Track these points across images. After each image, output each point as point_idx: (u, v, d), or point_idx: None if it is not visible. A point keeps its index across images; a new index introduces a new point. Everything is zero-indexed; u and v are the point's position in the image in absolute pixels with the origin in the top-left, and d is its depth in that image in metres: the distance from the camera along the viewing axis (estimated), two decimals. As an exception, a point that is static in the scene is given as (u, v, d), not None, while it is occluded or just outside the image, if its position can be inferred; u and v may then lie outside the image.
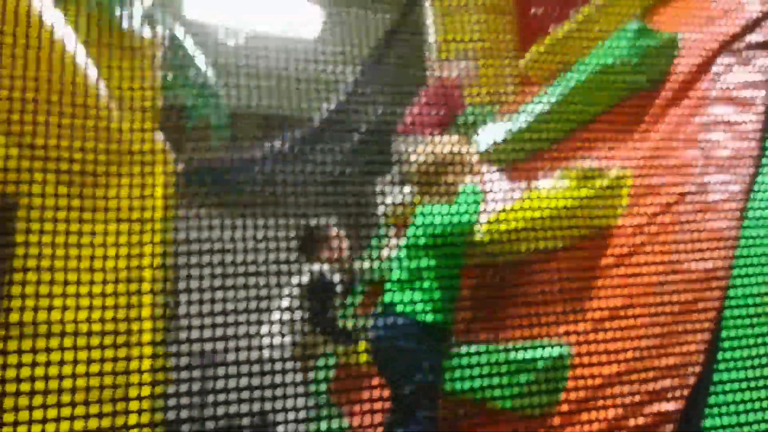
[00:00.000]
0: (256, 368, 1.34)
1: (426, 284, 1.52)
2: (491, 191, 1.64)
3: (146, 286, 3.33)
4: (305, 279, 2.77)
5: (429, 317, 1.48)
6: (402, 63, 5.20)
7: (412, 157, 2.18)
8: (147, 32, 3.35)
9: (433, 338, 1.51)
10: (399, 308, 1.52)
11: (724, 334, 1.11)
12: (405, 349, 1.51)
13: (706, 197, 1.21)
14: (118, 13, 3.20)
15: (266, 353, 2.09)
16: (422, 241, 1.55)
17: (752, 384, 1.07)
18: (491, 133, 2.03)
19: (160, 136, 3.82)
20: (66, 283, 2.11)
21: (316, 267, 2.80)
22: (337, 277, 2.78)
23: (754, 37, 1.31)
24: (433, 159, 1.75)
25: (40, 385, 1.25)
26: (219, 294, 1.54)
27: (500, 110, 2.34)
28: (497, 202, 1.58)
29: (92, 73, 2.72)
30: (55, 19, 2.30)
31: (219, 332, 1.43)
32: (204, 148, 4.73)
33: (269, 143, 5.49)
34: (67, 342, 1.93)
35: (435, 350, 1.50)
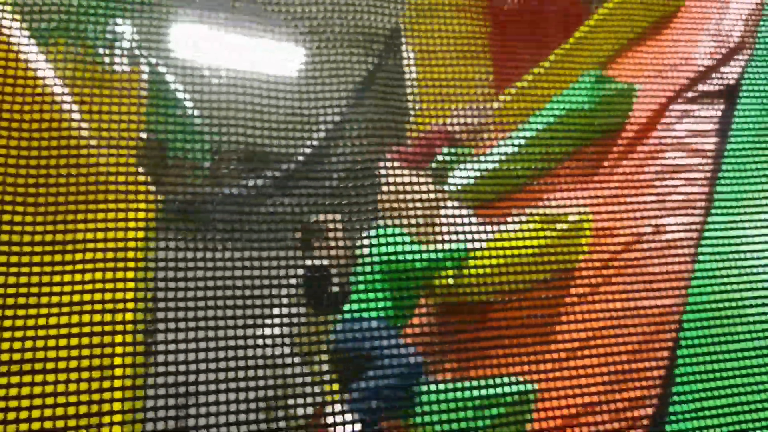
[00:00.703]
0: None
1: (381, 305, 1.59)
2: (461, 232, 1.71)
3: (123, 326, 3.33)
4: (301, 271, 2.85)
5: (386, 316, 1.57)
6: (383, 102, 5.31)
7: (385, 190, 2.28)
8: (129, 69, 3.42)
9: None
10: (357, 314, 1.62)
11: (679, 370, 1.16)
12: (364, 345, 1.61)
13: (661, 239, 1.27)
14: (100, 50, 3.27)
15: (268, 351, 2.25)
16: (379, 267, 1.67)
17: (707, 413, 1.12)
18: (464, 174, 2.10)
19: (140, 171, 3.87)
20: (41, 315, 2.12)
21: (311, 260, 2.88)
22: (332, 267, 2.85)
23: (704, 87, 1.39)
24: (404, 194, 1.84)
25: (11, 416, 1.27)
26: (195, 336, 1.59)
27: (475, 152, 2.42)
28: (468, 243, 1.65)
29: (71, 108, 2.76)
30: (32, 55, 2.35)
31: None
32: (184, 183, 4.76)
33: (250, 179, 5.55)
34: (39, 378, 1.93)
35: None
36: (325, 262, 2.93)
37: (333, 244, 2.93)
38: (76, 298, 2.85)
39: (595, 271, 1.33)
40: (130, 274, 3.33)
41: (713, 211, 1.24)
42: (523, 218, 1.48)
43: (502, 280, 1.50)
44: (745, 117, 1.25)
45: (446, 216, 1.95)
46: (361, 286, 1.70)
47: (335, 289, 2.79)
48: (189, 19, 5.35)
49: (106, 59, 3.14)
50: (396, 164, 3.16)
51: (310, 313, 2.80)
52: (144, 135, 3.97)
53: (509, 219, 1.58)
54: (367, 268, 1.73)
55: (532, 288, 1.50)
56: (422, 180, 1.93)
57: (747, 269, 1.19)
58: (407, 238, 1.78)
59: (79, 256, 3.07)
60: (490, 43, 4.47)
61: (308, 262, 2.91)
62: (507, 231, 1.48)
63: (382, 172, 3.21)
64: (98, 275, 3.12)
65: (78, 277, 3.02)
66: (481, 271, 1.55)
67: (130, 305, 3.19)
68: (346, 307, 1.78)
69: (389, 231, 1.82)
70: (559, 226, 1.40)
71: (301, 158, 5.15)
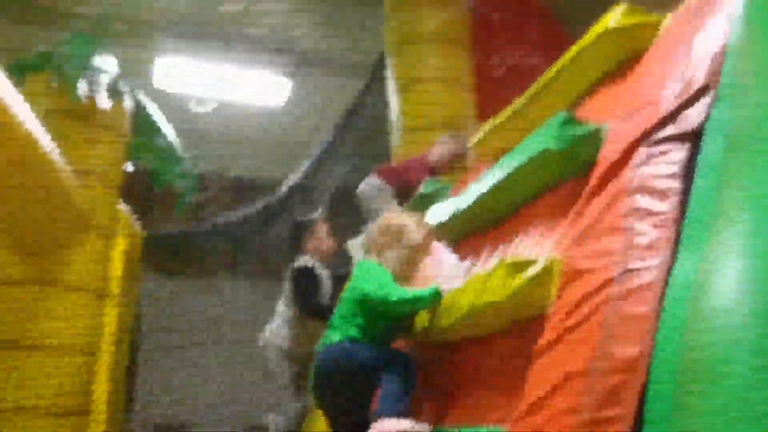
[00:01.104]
0: None
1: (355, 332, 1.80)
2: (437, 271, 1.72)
3: (104, 356, 3.28)
4: (291, 269, 2.92)
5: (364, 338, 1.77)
6: (367, 132, 5.33)
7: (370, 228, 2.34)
8: (112, 102, 3.43)
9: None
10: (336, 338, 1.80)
11: (647, 417, 1.15)
12: (344, 369, 1.77)
13: (629, 283, 1.26)
14: (81, 85, 3.27)
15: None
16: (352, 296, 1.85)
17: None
18: (439, 211, 2.11)
19: (122, 205, 3.84)
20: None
21: (302, 258, 2.93)
22: (321, 267, 2.88)
23: (670, 130, 1.40)
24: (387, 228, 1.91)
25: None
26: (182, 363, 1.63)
27: (453, 188, 2.43)
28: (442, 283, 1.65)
29: (51, 145, 2.76)
30: (10, 93, 2.36)
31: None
32: (169, 214, 4.76)
33: (237, 209, 5.51)
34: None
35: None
36: (312, 264, 2.95)
37: (321, 244, 2.97)
38: (57, 339, 2.80)
39: (565, 316, 1.32)
40: (113, 311, 3.26)
41: (680, 253, 1.23)
42: (493, 263, 1.48)
43: (473, 323, 1.49)
44: (710, 158, 1.25)
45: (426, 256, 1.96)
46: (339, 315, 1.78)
47: (323, 292, 2.82)
48: (176, 51, 5.34)
49: (87, 93, 3.14)
50: (381, 197, 3.16)
51: (297, 316, 2.83)
52: (130, 168, 3.93)
53: (479, 263, 1.58)
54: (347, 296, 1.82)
55: (503, 333, 1.49)
56: (404, 218, 1.95)
57: (714, 311, 1.18)
58: (387, 275, 1.80)
59: (59, 293, 3.02)
60: (475, 72, 4.47)
61: (296, 264, 2.96)
62: (477, 275, 1.47)
63: (367, 204, 3.21)
64: (80, 312, 3.07)
65: (60, 314, 2.97)
66: (454, 315, 1.55)
67: (111, 347, 3.13)
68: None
69: (368, 266, 1.84)
70: (528, 270, 1.39)
71: (289, 187, 5.11)
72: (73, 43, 3.28)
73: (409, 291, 1.70)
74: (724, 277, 1.11)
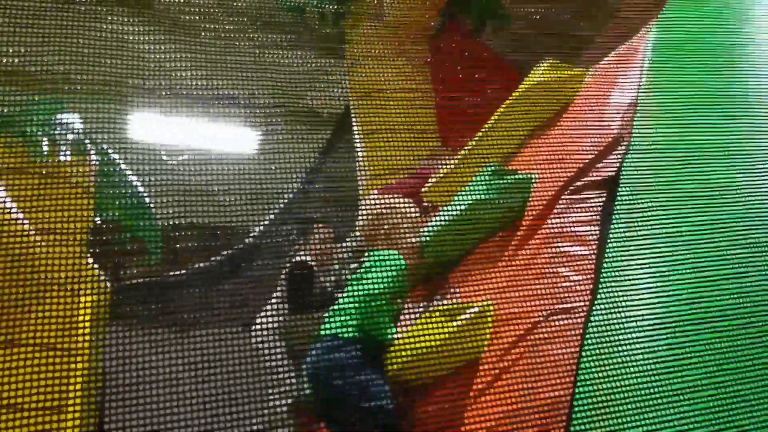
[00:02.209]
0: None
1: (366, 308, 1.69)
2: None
3: (71, 415, 3.26)
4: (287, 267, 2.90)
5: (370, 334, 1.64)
6: (335, 178, 5.43)
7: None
8: (77, 159, 3.48)
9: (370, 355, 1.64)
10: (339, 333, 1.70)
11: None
12: (344, 367, 1.66)
13: (552, 326, 1.33)
14: (44, 141, 3.33)
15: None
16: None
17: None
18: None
19: (89, 259, 3.86)
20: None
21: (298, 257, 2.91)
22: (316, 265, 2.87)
23: (589, 178, 1.49)
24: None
25: None
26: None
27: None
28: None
29: (11, 205, 2.80)
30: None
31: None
32: (136, 267, 4.77)
33: (207, 260, 5.54)
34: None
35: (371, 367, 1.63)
36: (310, 260, 2.97)
37: (320, 246, 2.98)
38: (22, 399, 2.78)
39: (498, 360, 1.38)
40: (79, 367, 3.26)
41: (597, 296, 1.30)
42: (430, 309, 1.54)
43: (415, 368, 1.54)
44: (620, 205, 1.34)
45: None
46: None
47: (320, 290, 2.81)
48: (143, 104, 5.42)
49: (50, 150, 3.20)
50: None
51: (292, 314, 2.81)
52: (97, 222, 3.97)
53: (417, 310, 1.64)
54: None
55: (444, 377, 1.54)
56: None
57: (631, 353, 1.25)
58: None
59: (24, 353, 3.01)
60: (437, 120, 4.63)
61: (295, 259, 2.96)
62: (415, 322, 1.53)
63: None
64: (45, 370, 3.04)
65: (25, 373, 2.95)
66: (399, 360, 1.59)
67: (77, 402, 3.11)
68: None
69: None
70: (462, 317, 1.46)
71: (257, 233, 5.15)
72: (36, 104, 3.34)
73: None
74: (630, 318, 1.18)
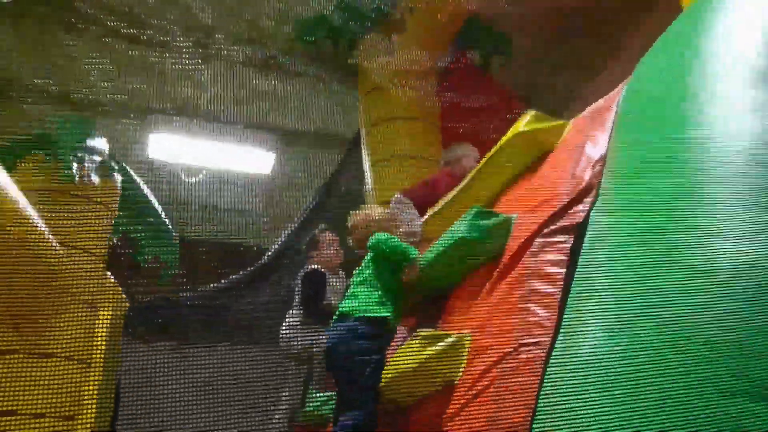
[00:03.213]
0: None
1: (373, 287, 1.88)
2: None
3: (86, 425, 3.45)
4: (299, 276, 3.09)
5: (378, 311, 1.82)
6: (345, 201, 5.63)
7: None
8: (103, 180, 3.70)
9: (379, 331, 1.80)
10: (352, 311, 1.85)
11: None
12: (356, 348, 1.78)
13: (520, 357, 1.48)
14: (74, 166, 3.55)
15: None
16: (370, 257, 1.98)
17: None
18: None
19: (109, 275, 4.07)
20: None
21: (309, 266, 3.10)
22: (331, 275, 3.04)
23: (561, 223, 1.64)
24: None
25: None
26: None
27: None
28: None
29: (39, 221, 3.00)
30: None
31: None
32: (154, 284, 4.99)
33: (224, 276, 5.73)
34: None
35: (380, 345, 1.79)
36: (319, 268, 3.15)
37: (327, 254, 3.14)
38: (39, 407, 2.99)
39: (469, 387, 1.53)
40: (95, 379, 3.46)
41: (561, 332, 1.45)
42: (414, 335, 1.70)
43: (396, 390, 1.69)
44: (589, 250, 1.49)
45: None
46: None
47: (330, 297, 2.96)
48: (168, 128, 5.69)
49: (79, 174, 3.42)
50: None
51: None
52: (118, 239, 4.18)
53: (404, 335, 1.80)
54: None
55: (422, 400, 1.69)
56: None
57: (585, 389, 1.38)
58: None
59: (43, 363, 3.23)
60: (443, 149, 4.81)
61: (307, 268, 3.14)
62: (401, 348, 1.69)
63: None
64: (63, 380, 3.25)
65: (43, 382, 3.16)
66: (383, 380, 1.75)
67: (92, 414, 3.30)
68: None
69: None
70: (441, 344, 1.61)
71: (273, 252, 5.35)
72: (67, 126, 3.57)
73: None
74: (583, 355, 1.33)
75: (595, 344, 1.34)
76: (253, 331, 5.14)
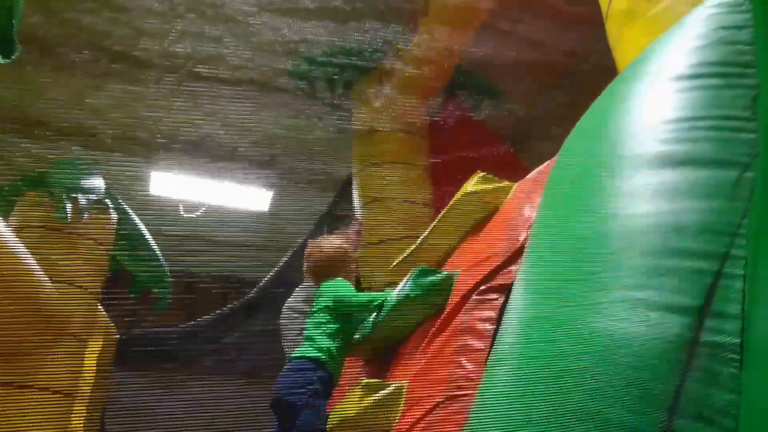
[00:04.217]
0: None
1: (325, 337, 1.98)
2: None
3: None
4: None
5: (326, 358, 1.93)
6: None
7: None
8: (98, 217, 3.87)
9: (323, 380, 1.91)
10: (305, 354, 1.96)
11: None
12: (303, 389, 1.87)
13: (447, 408, 1.58)
14: (69, 205, 3.73)
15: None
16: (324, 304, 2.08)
17: None
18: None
19: (101, 308, 4.22)
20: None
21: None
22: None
23: (496, 281, 1.75)
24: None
25: None
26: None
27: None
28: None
29: (31, 257, 3.16)
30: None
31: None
32: (147, 316, 5.13)
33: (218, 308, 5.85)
34: None
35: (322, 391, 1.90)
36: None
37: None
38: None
39: None
40: (81, 411, 3.60)
41: (480, 386, 1.55)
42: (356, 384, 1.80)
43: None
44: (513, 309, 1.59)
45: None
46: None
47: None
48: (169, 164, 5.88)
49: (74, 212, 3.59)
50: None
51: None
52: (112, 273, 4.35)
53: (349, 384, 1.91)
54: None
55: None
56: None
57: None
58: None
59: (30, 395, 3.38)
60: (433, 194, 4.96)
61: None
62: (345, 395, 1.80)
63: None
64: (49, 412, 3.41)
65: (29, 414, 3.31)
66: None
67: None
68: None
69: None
70: (380, 392, 1.72)
71: (265, 283, 5.51)
72: (64, 166, 3.76)
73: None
74: (488, 411, 1.43)
75: (497, 403, 1.42)
76: (240, 363, 5.25)
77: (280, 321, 3.21)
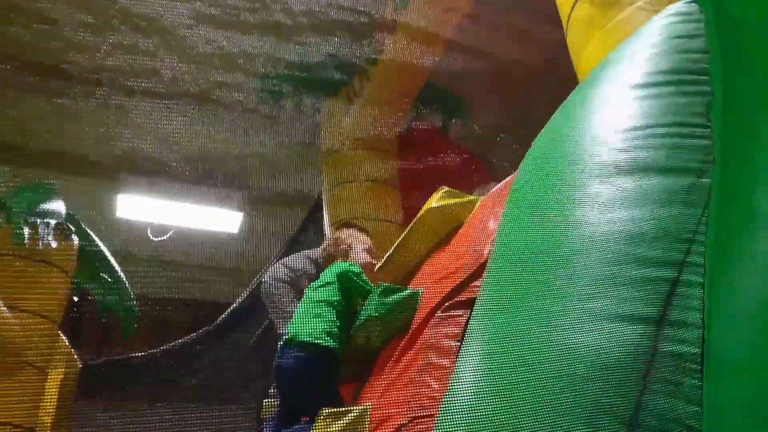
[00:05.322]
0: None
1: (325, 315, 1.93)
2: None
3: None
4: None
5: (327, 342, 1.87)
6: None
7: None
8: (59, 242, 3.76)
9: (325, 362, 1.87)
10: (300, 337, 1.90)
11: None
12: (302, 372, 1.85)
13: (413, 429, 1.54)
14: (25, 226, 3.62)
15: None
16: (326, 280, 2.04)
17: None
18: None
19: (62, 336, 4.09)
20: None
21: None
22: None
23: (460, 297, 1.72)
24: None
25: None
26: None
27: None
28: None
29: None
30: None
31: None
32: (111, 343, 4.99)
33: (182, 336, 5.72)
34: None
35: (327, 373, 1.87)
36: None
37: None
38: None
39: None
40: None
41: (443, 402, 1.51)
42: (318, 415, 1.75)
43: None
44: (476, 323, 1.56)
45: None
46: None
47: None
48: (137, 187, 5.78)
49: (33, 238, 3.49)
50: None
51: None
52: (75, 300, 4.23)
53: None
54: None
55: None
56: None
57: None
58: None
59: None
60: (403, 211, 4.94)
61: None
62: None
63: None
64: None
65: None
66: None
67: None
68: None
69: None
70: (343, 419, 1.67)
71: (232, 309, 5.42)
72: (24, 191, 3.66)
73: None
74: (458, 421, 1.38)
75: (458, 419, 1.38)
76: (210, 390, 5.12)
77: (265, 291, 3.23)
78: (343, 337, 1.92)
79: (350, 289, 1.98)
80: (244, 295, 5.46)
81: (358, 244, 2.23)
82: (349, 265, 2.07)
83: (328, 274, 2.06)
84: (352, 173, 4.69)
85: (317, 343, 1.86)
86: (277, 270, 3.41)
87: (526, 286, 1.35)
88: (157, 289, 6.32)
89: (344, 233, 2.35)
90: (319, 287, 2.03)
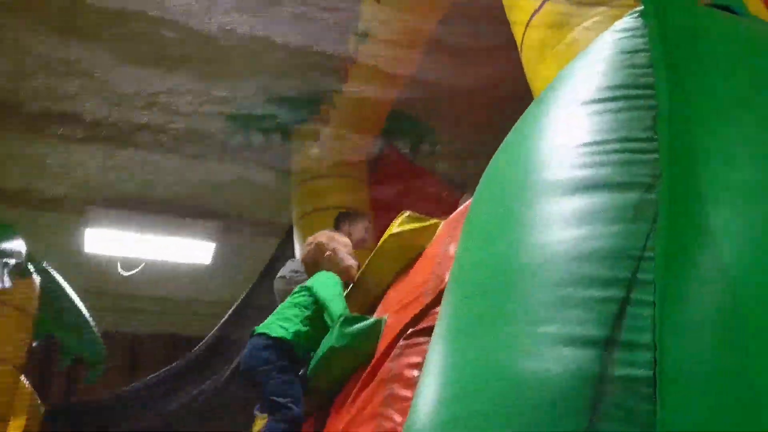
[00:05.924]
0: None
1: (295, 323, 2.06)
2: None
3: None
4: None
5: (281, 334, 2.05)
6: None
7: None
8: (20, 283, 3.64)
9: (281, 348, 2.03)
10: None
11: None
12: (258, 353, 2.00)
13: None
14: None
15: None
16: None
17: None
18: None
19: (24, 381, 3.94)
20: None
21: None
22: None
23: (422, 324, 1.67)
24: None
25: None
26: None
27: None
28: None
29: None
30: None
31: None
32: (77, 386, 4.80)
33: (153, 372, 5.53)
34: None
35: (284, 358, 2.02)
36: None
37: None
38: None
39: None
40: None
41: None
42: None
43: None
44: (430, 353, 1.51)
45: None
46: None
47: None
48: (104, 220, 5.68)
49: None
50: None
51: None
52: (38, 342, 4.10)
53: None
54: None
55: None
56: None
57: None
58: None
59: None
60: (374, 236, 4.91)
61: None
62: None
63: None
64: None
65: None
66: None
67: None
68: None
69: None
70: None
71: (206, 344, 5.31)
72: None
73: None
74: None
75: None
76: (187, 427, 4.96)
77: (276, 287, 3.30)
78: (306, 340, 2.06)
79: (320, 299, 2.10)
80: (220, 324, 5.34)
81: (342, 248, 2.32)
82: (330, 277, 2.16)
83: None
84: (320, 201, 4.65)
85: (274, 335, 2.03)
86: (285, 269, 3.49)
87: (479, 312, 1.31)
88: (128, 324, 6.16)
89: (324, 237, 2.41)
90: (295, 293, 2.17)
